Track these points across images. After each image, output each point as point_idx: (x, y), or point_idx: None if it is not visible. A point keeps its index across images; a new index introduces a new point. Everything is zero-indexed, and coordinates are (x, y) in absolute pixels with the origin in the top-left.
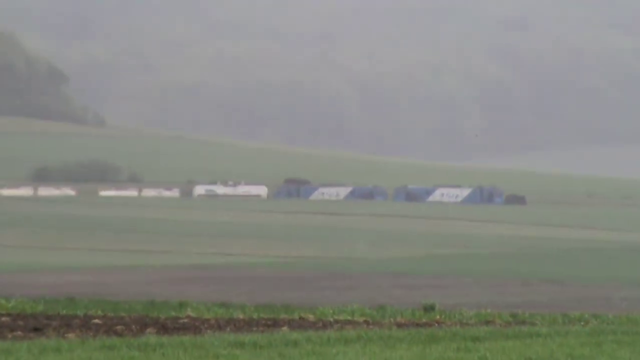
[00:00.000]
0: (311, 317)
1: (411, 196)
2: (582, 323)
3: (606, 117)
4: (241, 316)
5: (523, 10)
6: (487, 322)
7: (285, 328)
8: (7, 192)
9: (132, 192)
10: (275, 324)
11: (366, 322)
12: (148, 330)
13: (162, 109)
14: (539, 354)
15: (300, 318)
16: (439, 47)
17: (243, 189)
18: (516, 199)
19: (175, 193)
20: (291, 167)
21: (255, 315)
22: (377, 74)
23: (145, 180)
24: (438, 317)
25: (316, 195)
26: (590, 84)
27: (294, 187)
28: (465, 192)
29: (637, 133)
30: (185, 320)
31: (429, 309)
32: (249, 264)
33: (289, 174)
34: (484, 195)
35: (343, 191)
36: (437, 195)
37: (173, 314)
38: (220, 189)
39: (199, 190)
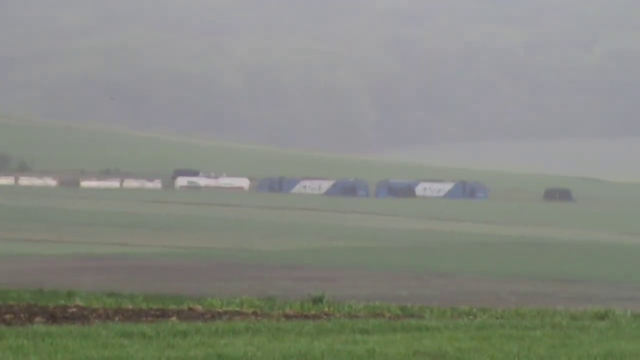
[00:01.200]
0: (200, 308)
1: (394, 191)
2: (470, 317)
3: (498, 111)
4: (130, 306)
5: (417, 3)
6: (376, 315)
7: (174, 318)
8: None
9: (114, 183)
10: (164, 314)
11: (255, 313)
12: (37, 319)
13: (53, 99)
14: (428, 347)
15: (189, 309)
16: (332, 39)
17: (225, 181)
18: (407, 191)
19: (157, 184)
20: (183, 158)
21: (144, 306)
22: (270, 65)
23: (35, 169)
24: (327, 309)
25: (298, 189)
26: (482, 78)
27: (276, 181)
28: (448, 187)
29: (529, 127)
30: (74, 310)
31: (317, 300)
32: (143, 254)
33: (180, 165)
34: (466, 190)
35: (325, 184)
36: (420, 189)
37: (62, 302)
38: (202, 181)
39: (181, 181)
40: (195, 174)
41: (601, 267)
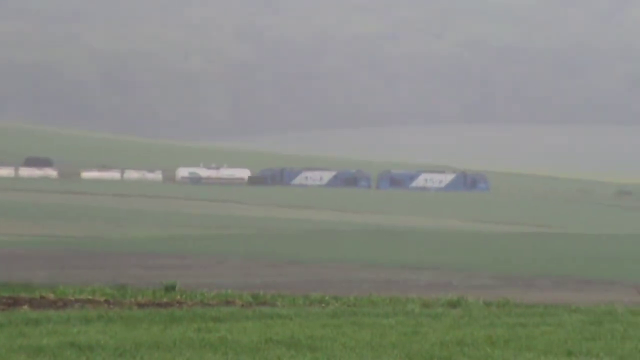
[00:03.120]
0: (52, 296)
1: (395, 181)
2: (323, 305)
3: (350, 100)
4: None
5: None
6: (228, 303)
7: (25, 307)
8: None
9: (115, 174)
10: (15, 302)
11: (107, 301)
12: None
13: None
14: (280, 335)
15: (41, 297)
16: (186, 28)
17: (226, 172)
18: (258, 179)
19: (158, 175)
20: (35, 146)
21: None
22: (123, 53)
23: None
24: (179, 297)
25: (300, 180)
26: (335, 66)
27: (277, 171)
28: (449, 178)
29: (382, 115)
30: None
31: (170, 288)
32: None
33: (32, 153)
34: (467, 182)
35: (327, 175)
36: (421, 180)
37: None
38: (203, 172)
39: (182, 172)
40: (47, 162)
41: (454, 255)
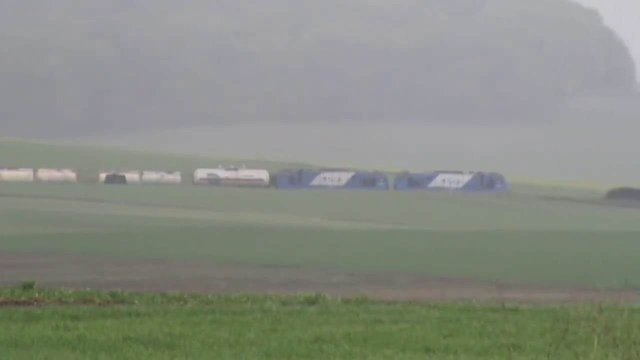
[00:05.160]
0: None
1: (413, 182)
2: (181, 302)
3: (206, 98)
4: None
5: None
6: (86, 301)
7: None
8: None
9: (134, 175)
10: None
11: None
12: None
13: None
14: (138, 333)
15: None
16: (38, 27)
17: (245, 173)
18: (117, 178)
19: (177, 177)
20: None
21: None
22: None
23: None
24: (37, 295)
25: (318, 180)
26: (190, 64)
27: (296, 173)
28: (467, 178)
29: (236, 114)
30: None
31: (27, 287)
32: None
33: None
34: (484, 182)
35: (345, 176)
36: (439, 181)
37: None
38: (222, 173)
39: (201, 174)
40: None
41: (312, 252)
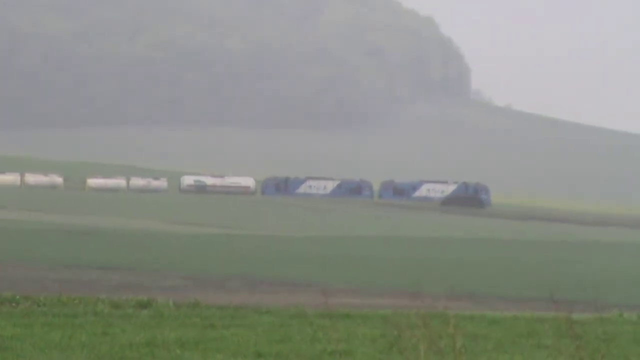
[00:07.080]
0: None
1: (398, 191)
2: (13, 304)
3: (42, 100)
4: None
5: None
6: None
7: None
8: None
9: (121, 181)
10: None
11: None
12: None
13: None
14: None
15: None
16: None
17: (231, 180)
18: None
19: (163, 183)
20: None
21: None
22: None
23: None
24: None
25: (304, 189)
26: (27, 65)
27: (282, 180)
28: (451, 188)
29: (78, 116)
30: None
31: None
32: None
33: None
34: (469, 191)
35: (331, 184)
36: (424, 190)
37: None
38: (209, 180)
39: (188, 180)
40: None
41: (145, 256)
